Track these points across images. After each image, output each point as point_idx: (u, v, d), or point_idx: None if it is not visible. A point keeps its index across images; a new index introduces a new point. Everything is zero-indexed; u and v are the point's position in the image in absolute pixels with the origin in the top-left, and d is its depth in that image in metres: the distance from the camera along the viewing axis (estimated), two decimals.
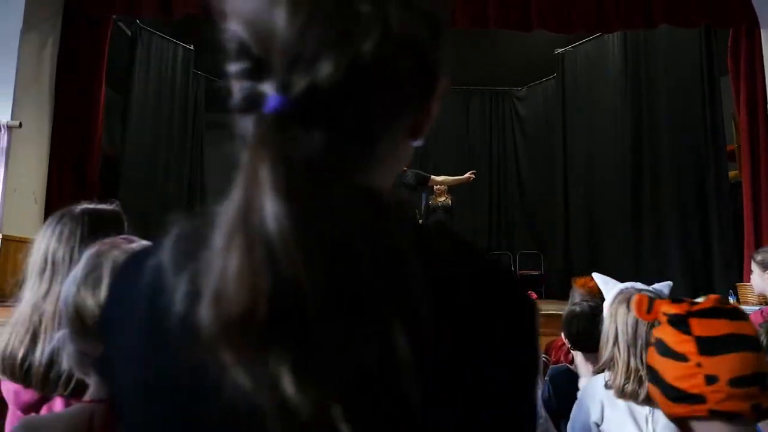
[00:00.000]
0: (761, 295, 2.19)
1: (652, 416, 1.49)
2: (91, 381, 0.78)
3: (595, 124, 6.98)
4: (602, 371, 1.55)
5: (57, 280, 1.14)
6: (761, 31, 4.57)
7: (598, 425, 1.62)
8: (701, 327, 0.84)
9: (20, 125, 4.07)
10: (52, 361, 1.06)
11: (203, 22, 5.99)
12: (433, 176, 5.85)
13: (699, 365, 0.82)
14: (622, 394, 1.45)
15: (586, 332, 1.80)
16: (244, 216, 0.36)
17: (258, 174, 0.36)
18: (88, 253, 0.80)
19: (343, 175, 0.39)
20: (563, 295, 7.40)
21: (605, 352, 1.51)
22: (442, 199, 6.72)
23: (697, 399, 0.81)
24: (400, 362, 0.35)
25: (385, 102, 0.42)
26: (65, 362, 0.80)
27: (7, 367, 1.03)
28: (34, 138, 4.34)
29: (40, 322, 1.09)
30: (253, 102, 0.41)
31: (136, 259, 0.48)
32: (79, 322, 0.74)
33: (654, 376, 0.88)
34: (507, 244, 8.61)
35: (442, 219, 6.52)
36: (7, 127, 4.03)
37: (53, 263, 1.15)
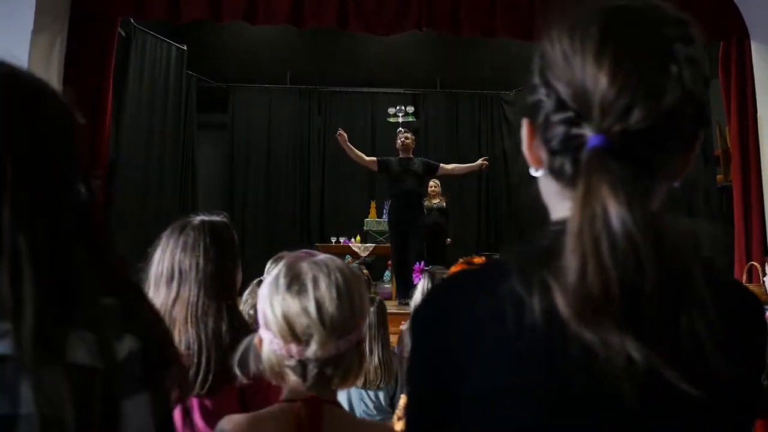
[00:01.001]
0: None
1: None
2: (289, 381, 0.85)
3: None
4: None
5: (185, 287, 1.22)
6: (751, 42, 4.78)
7: None
8: None
9: None
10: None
11: (199, 23, 6.00)
12: (442, 165, 5.60)
13: None
14: None
15: None
16: (589, 223, 0.47)
17: (599, 192, 0.47)
18: (285, 264, 0.88)
19: (640, 199, 0.50)
20: None
21: None
22: (436, 201, 6.81)
23: None
24: (701, 340, 0.48)
25: (672, 144, 0.52)
26: (252, 364, 0.87)
27: None
28: None
29: (174, 326, 1.16)
30: (573, 143, 0.52)
31: (473, 282, 0.58)
32: (287, 327, 0.82)
33: None
34: (495, 245, 8.77)
35: (438, 221, 6.62)
36: None
37: (180, 272, 1.22)
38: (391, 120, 8.14)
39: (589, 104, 0.50)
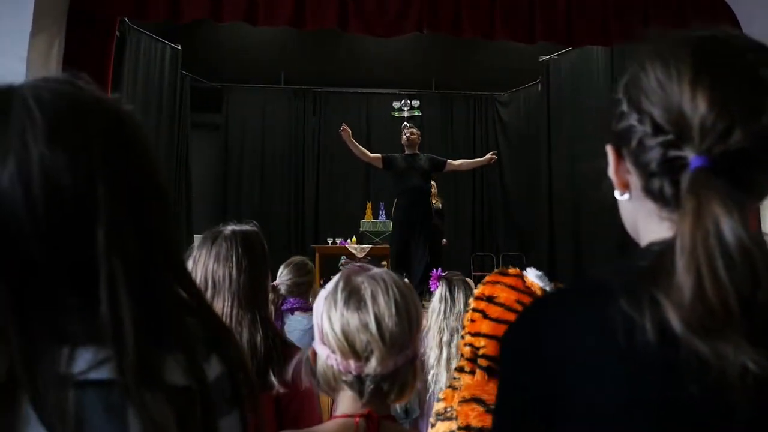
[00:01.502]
0: None
1: None
2: (344, 396, 0.86)
3: (580, 129, 7.23)
4: None
5: (219, 298, 1.22)
6: None
7: None
8: None
9: None
10: None
11: (194, 23, 5.97)
12: (449, 161, 5.42)
13: None
14: None
15: None
16: (703, 239, 0.49)
17: (710, 209, 0.50)
18: (341, 278, 0.88)
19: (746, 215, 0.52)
20: None
21: None
22: (432, 202, 6.82)
23: None
24: None
25: (766, 163, 0.54)
26: (305, 378, 0.88)
27: None
28: None
29: None
30: (672, 165, 0.55)
31: (573, 299, 0.60)
32: (346, 343, 0.82)
33: None
34: (490, 245, 8.82)
35: (434, 222, 6.62)
36: None
37: (213, 283, 1.22)
38: (396, 114, 8.05)
39: (688, 127, 0.53)
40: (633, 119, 0.58)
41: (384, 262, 7.64)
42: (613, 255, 6.61)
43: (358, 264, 0.92)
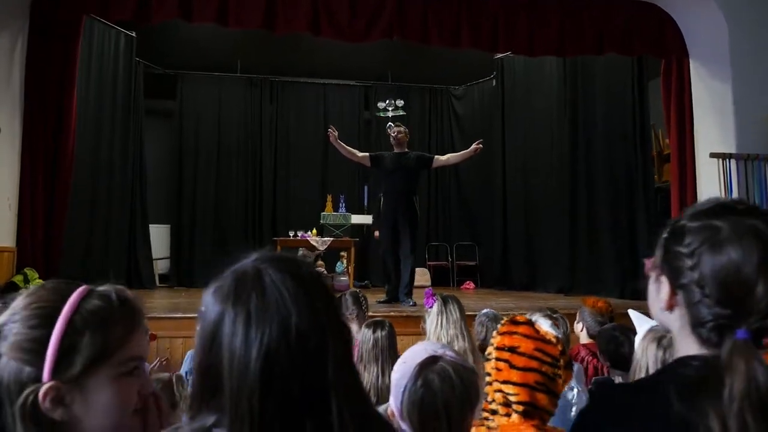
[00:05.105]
0: None
1: None
2: None
3: (533, 126, 7.53)
4: None
5: None
6: (689, 60, 5.22)
7: None
8: None
9: None
10: None
11: None
12: (437, 156, 5.42)
13: None
14: None
15: (616, 352, 2.23)
16: (749, 383, 0.68)
17: (751, 365, 0.69)
18: (418, 373, 1.08)
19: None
20: (498, 284, 8.01)
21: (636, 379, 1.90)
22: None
23: None
24: None
25: None
26: None
27: None
28: (7, 143, 4.21)
29: None
30: (724, 331, 0.74)
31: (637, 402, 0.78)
32: (418, 425, 1.02)
33: None
34: (444, 235, 9.10)
35: None
36: None
37: None
38: (381, 114, 8.09)
39: (738, 303, 0.73)
40: (695, 277, 0.76)
41: (343, 253, 7.80)
42: (564, 246, 7.00)
43: (431, 356, 1.10)
